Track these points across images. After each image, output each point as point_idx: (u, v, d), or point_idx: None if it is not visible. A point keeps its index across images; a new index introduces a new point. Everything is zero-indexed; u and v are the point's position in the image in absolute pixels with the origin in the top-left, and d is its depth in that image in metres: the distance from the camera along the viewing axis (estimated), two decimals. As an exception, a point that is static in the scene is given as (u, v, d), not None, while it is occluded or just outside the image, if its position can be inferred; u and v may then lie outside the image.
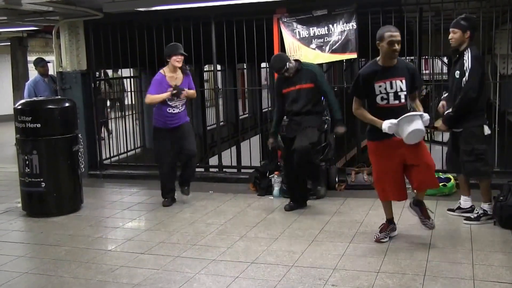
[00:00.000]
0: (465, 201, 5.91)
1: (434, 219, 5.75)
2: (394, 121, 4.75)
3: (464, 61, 5.45)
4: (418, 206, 5.16)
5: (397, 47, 4.81)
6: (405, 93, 4.92)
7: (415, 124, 4.72)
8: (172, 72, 6.64)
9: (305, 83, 6.20)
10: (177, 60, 6.56)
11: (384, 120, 4.83)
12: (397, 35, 4.82)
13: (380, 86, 4.89)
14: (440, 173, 7.01)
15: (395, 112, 4.84)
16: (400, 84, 4.89)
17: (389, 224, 5.31)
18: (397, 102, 4.91)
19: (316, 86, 6.21)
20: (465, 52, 5.49)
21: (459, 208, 5.96)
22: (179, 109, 6.69)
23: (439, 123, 5.90)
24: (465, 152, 5.58)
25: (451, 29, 5.59)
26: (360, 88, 5.01)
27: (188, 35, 8.08)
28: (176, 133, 6.71)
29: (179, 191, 6.98)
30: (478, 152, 5.52)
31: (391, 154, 5.01)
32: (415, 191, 5.22)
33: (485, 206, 5.65)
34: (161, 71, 6.69)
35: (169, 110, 6.62)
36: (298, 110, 6.20)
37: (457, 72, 5.54)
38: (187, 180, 6.97)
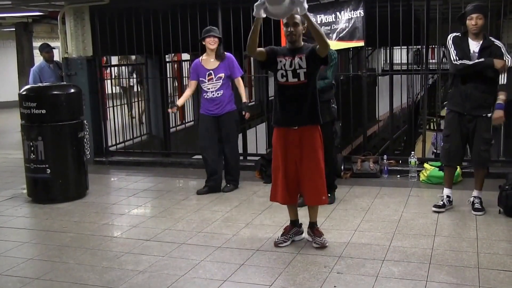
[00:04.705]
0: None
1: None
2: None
3: (503, 50, 5.37)
4: (310, 228, 4.92)
5: (290, 29, 4.59)
6: (304, 70, 4.60)
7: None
8: (208, 56, 6.66)
9: None
10: (209, 42, 6.56)
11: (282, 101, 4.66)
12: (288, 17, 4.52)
13: (280, 61, 4.63)
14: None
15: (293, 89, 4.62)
16: (299, 61, 4.59)
17: (293, 227, 4.99)
18: (296, 80, 4.62)
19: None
20: (491, 39, 5.44)
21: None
22: (214, 94, 6.61)
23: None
24: (485, 140, 5.48)
25: (477, 15, 5.36)
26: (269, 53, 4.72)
27: (194, 22, 8.04)
28: (219, 122, 6.70)
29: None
30: (491, 140, 5.55)
31: (287, 149, 4.72)
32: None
33: (481, 194, 5.66)
34: (199, 58, 6.76)
35: (204, 95, 6.67)
36: None
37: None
38: (229, 174, 6.93)
